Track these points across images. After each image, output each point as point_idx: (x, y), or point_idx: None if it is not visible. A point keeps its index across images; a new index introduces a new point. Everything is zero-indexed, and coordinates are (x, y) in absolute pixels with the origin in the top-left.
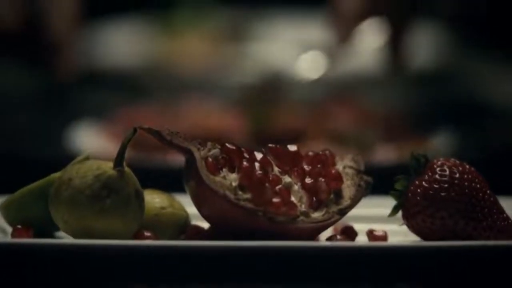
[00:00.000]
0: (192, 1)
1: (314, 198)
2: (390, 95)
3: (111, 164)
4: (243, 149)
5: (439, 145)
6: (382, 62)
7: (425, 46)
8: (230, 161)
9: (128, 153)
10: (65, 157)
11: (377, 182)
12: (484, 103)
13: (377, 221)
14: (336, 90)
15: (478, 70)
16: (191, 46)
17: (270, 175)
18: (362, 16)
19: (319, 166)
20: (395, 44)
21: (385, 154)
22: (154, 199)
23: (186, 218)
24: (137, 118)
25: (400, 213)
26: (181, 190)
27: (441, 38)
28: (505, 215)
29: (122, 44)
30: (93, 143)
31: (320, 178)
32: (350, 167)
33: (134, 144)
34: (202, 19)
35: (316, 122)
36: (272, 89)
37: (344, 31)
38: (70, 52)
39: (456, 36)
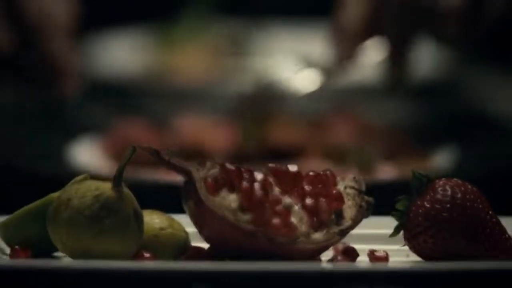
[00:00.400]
0: (191, 14)
1: (314, 219)
2: (392, 111)
3: (110, 184)
4: (242, 169)
5: (441, 162)
6: (383, 76)
7: (428, 60)
8: (229, 181)
9: (126, 171)
10: (64, 173)
11: (378, 201)
12: (488, 119)
13: (378, 241)
14: (336, 105)
15: (482, 85)
16: (190, 59)
17: (270, 196)
18: (364, 29)
19: (320, 186)
20: (397, 58)
21: (386, 172)
22: (153, 220)
23: (186, 239)
24: (133, 132)
25: (401, 233)
26: (180, 210)
27: (444, 52)
28: (507, 235)
29: (119, 56)
30: (90, 159)
31: (321, 199)
32: (352, 187)
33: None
34: (202, 32)
35: (315, 138)
36: (264, 99)
37: (345, 45)
38: (72, 68)
39: (459, 50)
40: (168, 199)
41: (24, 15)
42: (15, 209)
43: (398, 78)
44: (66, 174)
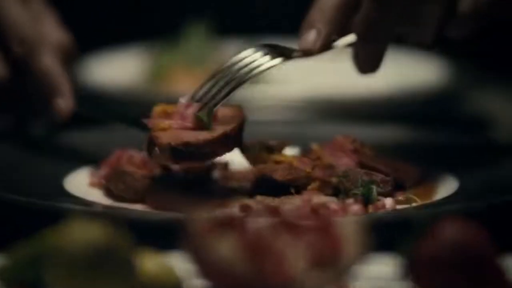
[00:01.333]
0: (190, 37)
1: (313, 259)
2: (392, 138)
3: (104, 226)
4: (239, 209)
5: (444, 193)
6: (355, 64)
7: (427, 73)
8: (225, 224)
9: (117, 206)
10: (59, 206)
11: (380, 237)
12: (492, 143)
13: (380, 279)
14: (335, 135)
15: (486, 104)
16: (188, 82)
17: (267, 236)
18: (340, 16)
19: (318, 223)
20: (373, 51)
21: (389, 208)
22: (148, 261)
23: (181, 280)
24: (127, 163)
25: (404, 273)
26: (176, 249)
27: (444, 67)
28: (509, 277)
29: (112, 78)
30: (85, 188)
31: (320, 236)
32: (352, 224)
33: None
34: (201, 54)
35: (313, 171)
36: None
37: (319, 30)
38: (65, 88)
39: (459, 64)
40: (164, 237)
41: (13, 40)
42: (9, 240)
43: (394, 96)
44: (62, 207)
